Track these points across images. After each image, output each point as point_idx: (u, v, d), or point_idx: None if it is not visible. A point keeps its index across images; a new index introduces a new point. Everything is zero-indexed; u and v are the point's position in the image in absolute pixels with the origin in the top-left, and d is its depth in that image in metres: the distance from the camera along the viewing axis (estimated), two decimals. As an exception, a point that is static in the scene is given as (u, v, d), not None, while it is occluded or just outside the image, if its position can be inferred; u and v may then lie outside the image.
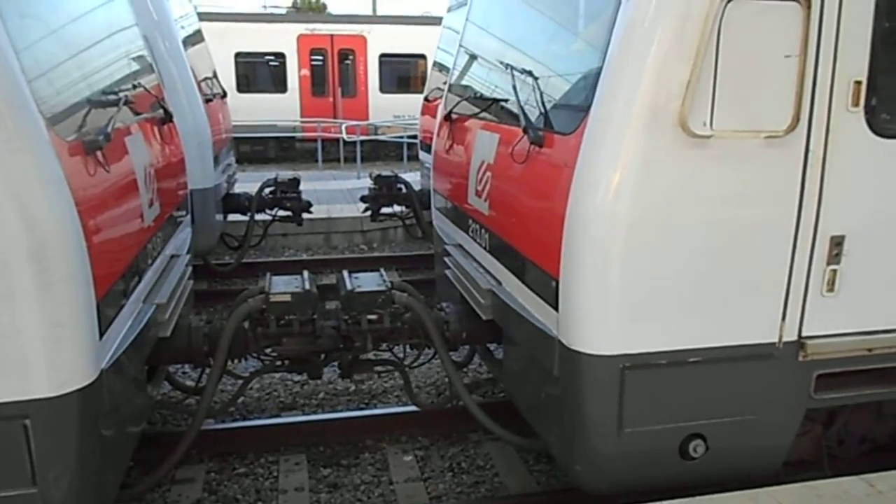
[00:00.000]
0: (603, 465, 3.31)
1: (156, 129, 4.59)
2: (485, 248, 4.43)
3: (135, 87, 4.23)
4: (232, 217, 9.06)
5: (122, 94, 3.71)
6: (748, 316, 3.24)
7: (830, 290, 3.29)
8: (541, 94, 3.71)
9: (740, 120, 3.01)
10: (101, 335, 2.88)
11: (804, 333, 3.32)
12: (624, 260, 3.03)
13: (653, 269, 3.05)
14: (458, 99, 5.31)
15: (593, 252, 3.06)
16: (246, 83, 21.73)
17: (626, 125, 2.97)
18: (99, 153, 3.10)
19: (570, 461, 3.40)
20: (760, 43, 2.98)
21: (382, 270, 4.67)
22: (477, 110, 4.79)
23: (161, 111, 4.79)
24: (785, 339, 3.30)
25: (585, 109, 3.14)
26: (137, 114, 4.12)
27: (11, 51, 2.60)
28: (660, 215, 3.01)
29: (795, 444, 3.59)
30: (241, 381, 4.75)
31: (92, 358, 2.79)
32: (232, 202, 8.71)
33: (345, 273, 4.55)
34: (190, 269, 4.91)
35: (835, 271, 3.27)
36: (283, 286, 4.29)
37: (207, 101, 7.88)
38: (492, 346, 5.00)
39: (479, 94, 4.93)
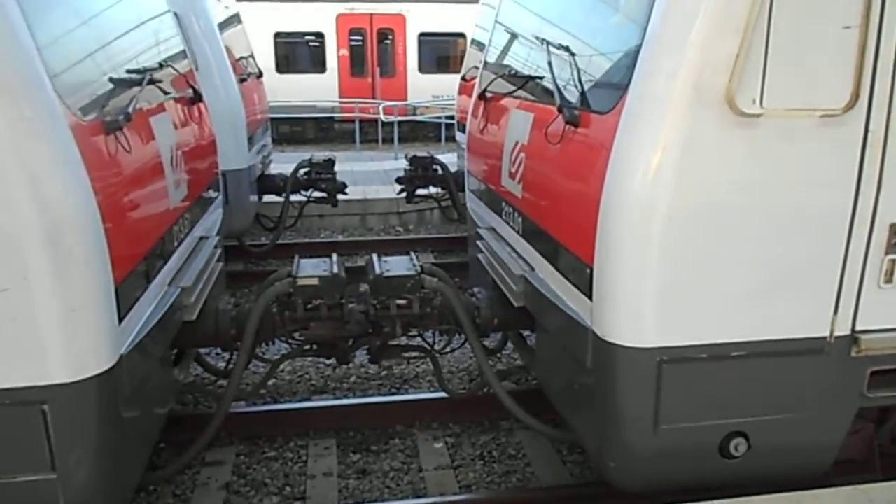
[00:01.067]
0: (637, 463, 3.16)
1: (184, 109, 4.53)
2: (518, 233, 4.28)
3: (162, 66, 4.16)
4: (268, 198, 9.06)
5: (147, 74, 3.64)
6: (797, 308, 3.03)
7: (888, 281, 3.05)
8: (577, 70, 3.52)
9: (793, 97, 2.78)
10: (121, 320, 2.82)
11: (858, 327, 3.10)
12: (662, 247, 2.85)
13: (693, 257, 2.86)
14: (492, 77, 5.13)
15: (630, 238, 2.88)
16: (285, 64, 21.74)
17: (668, 103, 2.77)
18: (119, 133, 3.03)
19: (603, 457, 3.25)
20: (817, 12, 2.73)
21: (413, 254, 4.55)
22: (511, 88, 4.61)
23: (190, 91, 4.72)
24: (837, 333, 3.09)
25: (624, 86, 2.95)
26: (165, 93, 4.06)
27: (26, 28, 2.53)
28: (703, 200, 2.81)
29: (844, 444, 3.38)
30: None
31: (110, 343, 2.73)
32: (267, 183, 8.69)
33: (374, 257, 4.45)
34: (219, 251, 4.86)
35: (893, 261, 3.02)
36: (310, 270, 4.20)
37: (242, 80, 7.83)
38: (525, 332, 4.86)
39: (513, 72, 4.74)
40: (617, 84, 3.04)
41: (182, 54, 4.97)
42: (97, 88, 3.06)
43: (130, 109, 3.12)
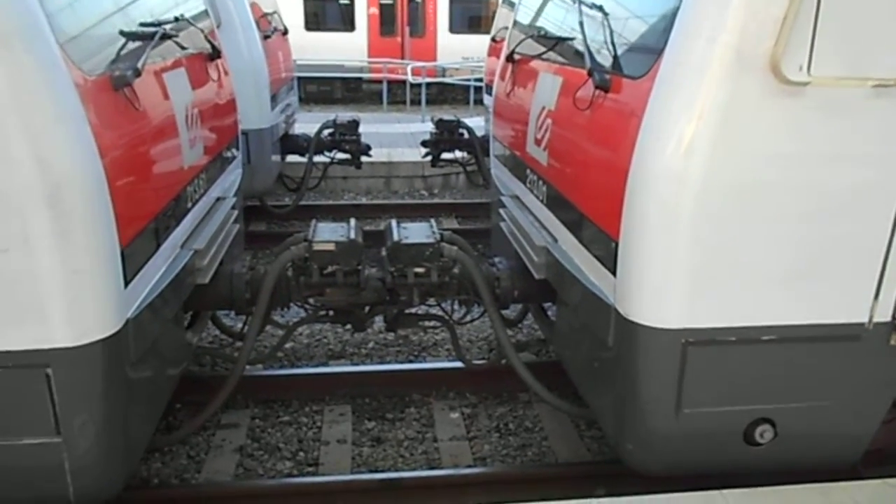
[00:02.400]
0: (657, 447, 3.04)
1: (202, 66, 4.40)
2: (542, 202, 4.11)
3: (178, 20, 4.02)
4: (291, 158, 8.95)
5: (160, 29, 3.50)
6: (835, 292, 2.85)
7: None
8: (609, 31, 3.32)
9: (844, 65, 2.56)
10: (127, 283, 2.75)
11: None
12: (694, 223, 2.68)
13: (726, 235, 2.69)
14: (521, 38, 4.91)
15: (659, 212, 2.71)
16: (314, 21, 21.42)
17: (706, 68, 2.57)
18: (127, 90, 2.92)
19: (621, 439, 3.14)
20: (875, -28, 2.50)
21: (433, 221, 4.42)
22: (540, 50, 4.39)
23: (209, 47, 4.58)
24: (876, 319, 2.91)
25: (659, 50, 2.75)
26: (180, 49, 3.93)
27: (26, -25, 2.40)
28: (739, 174, 2.63)
29: (877, 433, 3.22)
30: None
31: (115, 307, 2.66)
32: (290, 143, 8.58)
33: (393, 222, 4.32)
34: (237, 212, 4.78)
35: None
36: (327, 234, 4.09)
37: (266, 37, 7.66)
38: (547, 304, 4.73)
39: (543, 33, 4.52)
40: (651, 47, 2.84)
41: (202, 10, 4.82)
42: (105, 42, 2.94)
43: (140, 65, 2.99)
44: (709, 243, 2.69)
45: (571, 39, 3.82)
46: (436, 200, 10.47)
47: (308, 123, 10.84)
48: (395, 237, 4.08)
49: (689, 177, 2.63)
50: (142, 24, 3.42)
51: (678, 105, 2.64)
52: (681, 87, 2.64)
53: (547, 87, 4.07)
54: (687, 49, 2.64)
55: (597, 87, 3.20)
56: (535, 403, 5.05)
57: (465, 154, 9.11)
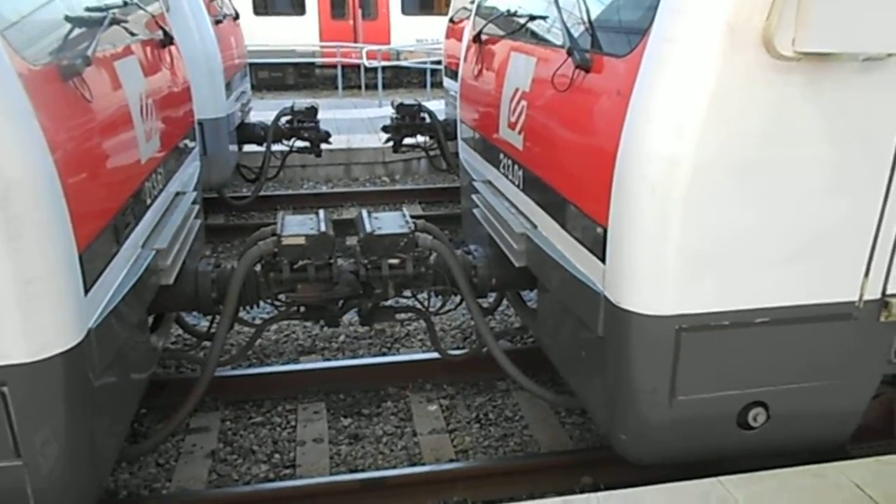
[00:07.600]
0: (651, 436, 2.97)
1: (154, 53, 4.13)
2: (518, 187, 3.99)
3: (126, 4, 3.76)
4: (249, 148, 8.66)
5: (108, 13, 3.25)
6: (827, 271, 2.80)
7: None
8: (590, 7, 3.19)
9: (835, 39, 2.48)
10: (87, 290, 2.53)
11: (889, 291, 2.89)
12: (687, 206, 2.58)
13: (721, 217, 2.61)
14: (489, 17, 4.76)
15: (650, 196, 2.61)
16: (263, 5, 20.80)
17: (697, 44, 2.47)
18: (78, 80, 2.68)
19: (614, 429, 3.06)
20: (866, -58, 2.42)
21: (405, 210, 4.26)
22: (511, 29, 4.25)
23: (160, 33, 4.31)
24: (866, 297, 2.87)
25: (646, 25, 2.64)
26: (131, 35, 3.67)
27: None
28: (732, 154, 2.54)
29: (865, 409, 3.21)
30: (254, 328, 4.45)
31: (75, 317, 2.45)
32: (247, 132, 8.28)
33: (364, 213, 4.15)
34: (198, 207, 4.54)
35: None
36: (296, 227, 3.90)
37: (217, 22, 7.34)
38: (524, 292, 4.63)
39: (514, 10, 4.37)
40: (638, 23, 2.73)
41: (150, -8, 4.54)
42: (50, 29, 2.69)
43: (90, 52, 2.75)
44: (702, 226, 2.61)
45: (546, 17, 3.68)
46: (398, 187, 10.28)
47: (262, 111, 10.52)
48: (368, 228, 3.91)
49: (681, 158, 2.53)
50: (87, 9, 3.16)
51: (668, 84, 2.54)
52: (670, 64, 2.54)
53: (520, 68, 3.93)
54: (676, 24, 2.53)
55: (577, 67, 3.08)
56: (514, 392, 4.97)
57: (427, 139, 8.93)
